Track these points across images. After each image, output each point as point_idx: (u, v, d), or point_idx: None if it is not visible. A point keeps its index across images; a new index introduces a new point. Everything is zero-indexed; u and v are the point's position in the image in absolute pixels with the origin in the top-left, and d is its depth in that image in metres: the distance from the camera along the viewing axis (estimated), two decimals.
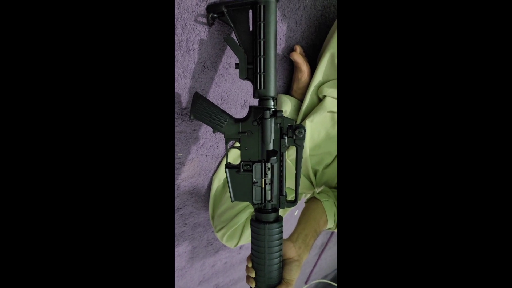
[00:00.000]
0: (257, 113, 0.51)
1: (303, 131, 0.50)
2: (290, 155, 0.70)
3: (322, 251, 1.65)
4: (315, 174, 0.75)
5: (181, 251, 0.95)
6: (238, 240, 0.79)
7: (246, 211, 0.76)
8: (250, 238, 0.82)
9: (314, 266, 1.72)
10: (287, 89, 0.73)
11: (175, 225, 0.84)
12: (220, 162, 0.77)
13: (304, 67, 0.65)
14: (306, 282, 1.77)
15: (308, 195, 0.79)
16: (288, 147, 0.52)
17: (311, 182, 0.76)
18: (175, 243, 0.90)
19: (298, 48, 0.65)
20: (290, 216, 1.12)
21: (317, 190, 0.76)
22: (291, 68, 0.70)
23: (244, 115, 0.53)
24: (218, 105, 0.56)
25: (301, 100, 0.70)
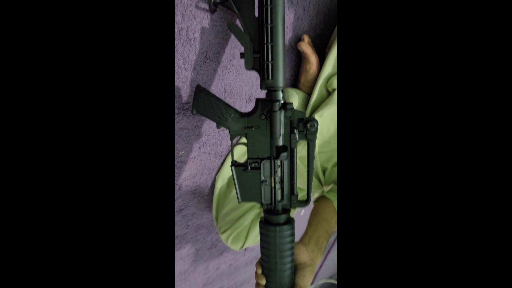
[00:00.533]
0: (265, 106, 0.47)
1: (315, 124, 0.46)
2: (298, 152, 0.66)
3: (329, 251, 1.62)
4: (324, 172, 0.72)
5: (184, 254, 0.92)
6: (243, 242, 0.76)
7: (252, 211, 0.73)
8: (256, 240, 0.79)
9: (321, 266, 1.69)
10: (294, 82, 0.69)
11: (178, 227, 0.81)
12: (224, 160, 0.73)
13: (312, 58, 0.61)
14: (312, 283, 1.74)
15: (317, 194, 0.75)
16: (297, 142, 0.48)
17: (320, 181, 0.72)
18: (178, 246, 0.87)
19: (306, 38, 0.61)
20: (295, 216, 1.09)
21: (326, 188, 0.72)
22: (298, 60, 0.66)
23: (249, 111, 0.49)
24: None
25: (309, 94, 0.66)
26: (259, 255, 0.55)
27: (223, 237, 0.78)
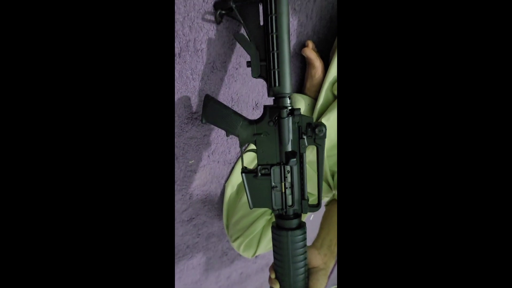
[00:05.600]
0: (273, 113, 0.48)
1: (323, 129, 0.46)
2: (306, 157, 0.66)
3: None
4: (332, 176, 0.72)
5: (196, 263, 0.92)
6: (255, 249, 0.76)
7: (263, 218, 0.73)
8: (268, 247, 0.79)
9: (331, 272, 1.67)
10: (300, 88, 0.70)
11: (189, 236, 0.81)
12: (233, 168, 0.74)
13: (317, 63, 0.61)
14: None
15: (327, 198, 0.75)
16: (306, 147, 0.49)
17: (329, 185, 0.72)
18: (189, 255, 0.87)
19: (310, 44, 0.62)
20: (305, 221, 1.08)
21: (336, 192, 0.72)
22: (302, 66, 0.67)
23: (256, 118, 0.50)
24: None
25: (315, 99, 0.67)
26: (270, 263, 0.55)
27: (235, 245, 0.78)
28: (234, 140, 0.69)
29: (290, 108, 0.47)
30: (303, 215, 0.54)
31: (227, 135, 0.50)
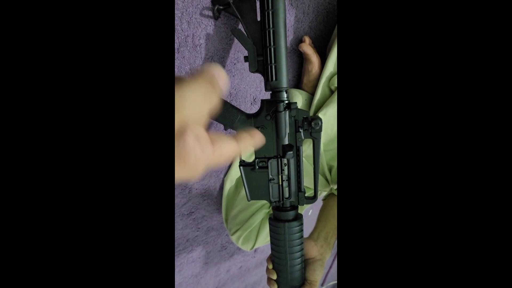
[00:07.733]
0: (270, 107, 0.48)
1: (319, 123, 0.47)
2: (304, 151, 0.67)
3: None
4: (330, 171, 0.73)
5: (196, 257, 0.93)
6: (254, 242, 0.77)
7: (261, 211, 0.74)
8: (266, 240, 0.80)
9: (330, 267, 1.69)
10: (297, 83, 0.71)
11: (189, 230, 0.82)
12: (232, 162, 0.75)
13: (314, 58, 0.62)
14: (322, 284, 1.73)
15: (324, 193, 0.76)
16: (303, 141, 0.50)
17: (326, 179, 0.73)
18: (189, 249, 0.88)
19: (307, 39, 0.62)
20: (303, 216, 1.09)
21: (334, 186, 0.73)
22: (299, 61, 0.68)
23: (254, 112, 0.50)
24: None
25: (312, 94, 0.68)
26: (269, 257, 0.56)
27: (233, 238, 0.80)
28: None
29: (286, 102, 0.48)
30: (299, 207, 0.55)
31: (225, 129, 0.51)
